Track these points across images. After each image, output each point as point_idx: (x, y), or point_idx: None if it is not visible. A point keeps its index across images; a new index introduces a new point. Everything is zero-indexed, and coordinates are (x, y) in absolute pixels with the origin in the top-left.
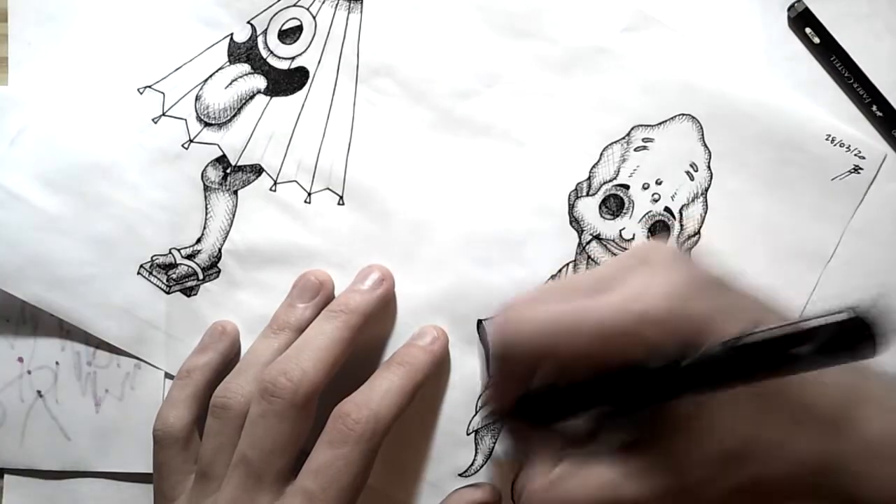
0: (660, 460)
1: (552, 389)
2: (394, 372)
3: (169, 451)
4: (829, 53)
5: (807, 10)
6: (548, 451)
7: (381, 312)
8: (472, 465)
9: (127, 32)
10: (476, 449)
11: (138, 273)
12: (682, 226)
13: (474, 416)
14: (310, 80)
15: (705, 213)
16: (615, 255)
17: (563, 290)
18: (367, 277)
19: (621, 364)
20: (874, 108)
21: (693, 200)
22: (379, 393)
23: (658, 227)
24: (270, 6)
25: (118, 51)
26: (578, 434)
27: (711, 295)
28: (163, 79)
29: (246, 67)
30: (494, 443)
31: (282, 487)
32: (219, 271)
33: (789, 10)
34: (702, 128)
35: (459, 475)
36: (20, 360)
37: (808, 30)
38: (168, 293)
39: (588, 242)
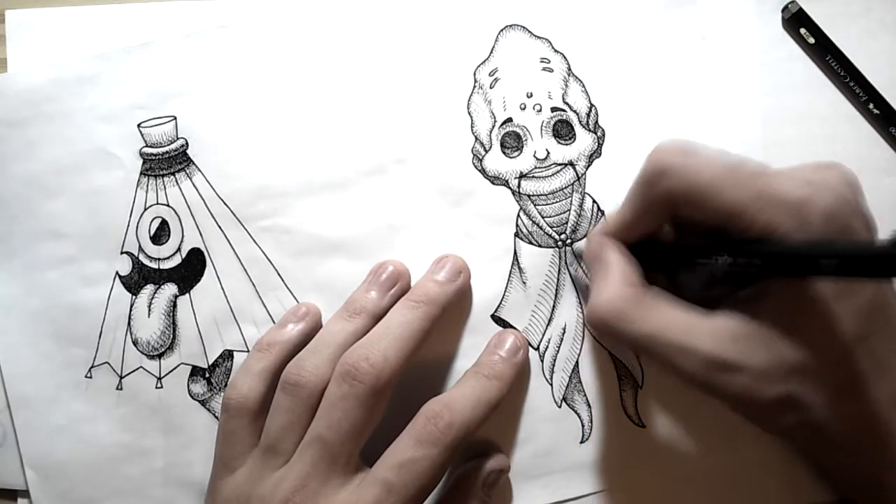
0: (774, 333)
1: (682, 244)
2: (483, 384)
3: (239, 420)
4: (825, 53)
5: (801, 10)
6: (634, 271)
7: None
8: (582, 428)
9: (44, 334)
10: (576, 413)
11: None
12: (576, 112)
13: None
14: (207, 254)
15: (584, 86)
16: (546, 178)
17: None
18: (443, 268)
19: (758, 233)
20: (871, 106)
21: (566, 85)
22: (472, 402)
23: (559, 127)
24: (128, 226)
25: (48, 357)
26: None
27: (866, 222)
28: (96, 352)
29: (150, 287)
30: (586, 398)
31: (352, 471)
32: None
33: (783, 11)
34: (525, 27)
35: (581, 443)
36: None
37: (802, 30)
38: None
39: (518, 185)
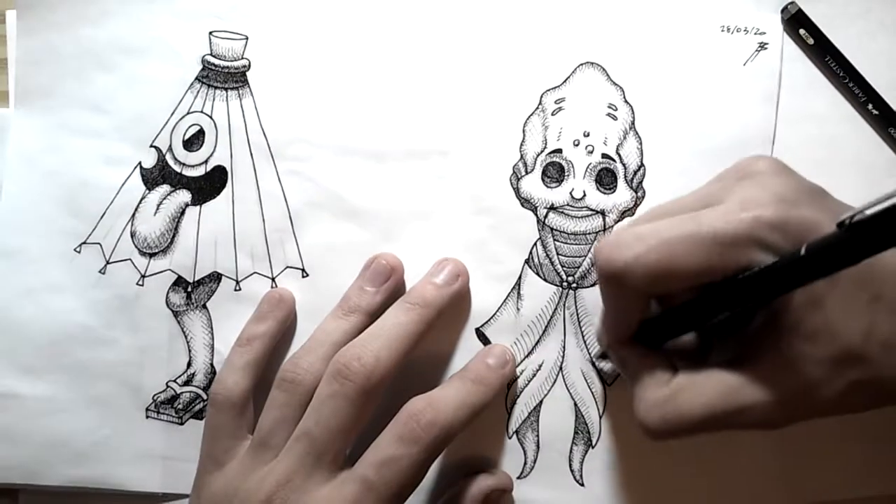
0: (777, 364)
1: (669, 311)
2: (469, 388)
3: (225, 415)
4: (824, 54)
5: (800, 11)
6: (661, 371)
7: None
8: (524, 465)
9: (49, 195)
10: (523, 450)
11: (147, 417)
12: (624, 165)
13: (509, 418)
14: (230, 175)
15: (641, 144)
16: (574, 217)
17: (668, 210)
18: (442, 271)
19: (735, 271)
20: (870, 106)
21: (625, 137)
22: (455, 402)
23: (603, 175)
24: (166, 123)
25: (45, 218)
26: (691, 351)
27: (817, 200)
28: (93, 231)
29: (165, 188)
30: (537, 439)
31: (337, 469)
32: None
33: (783, 11)
34: (604, 69)
35: (518, 478)
36: None
37: (801, 31)
38: (182, 424)
39: (546, 216)
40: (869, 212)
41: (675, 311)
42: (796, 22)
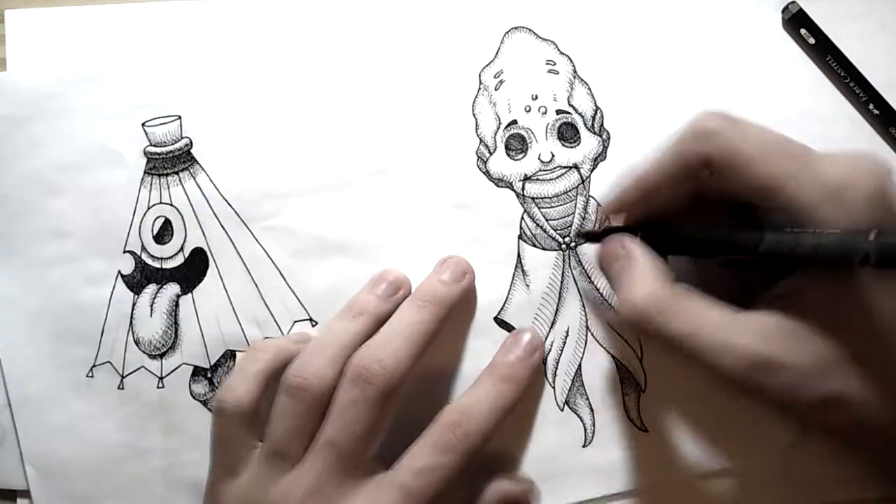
0: (816, 329)
1: (707, 225)
2: (499, 389)
3: (236, 425)
4: (825, 54)
5: (801, 10)
6: (663, 267)
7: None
8: (585, 431)
9: (43, 333)
10: (578, 416)
11: None
12: (581, 114)
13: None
14: (210, 254)
15: (589, 89)
16: (550, 181)
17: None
18: (448, 268)
19: (800, 214)
20: (871, 106)
21: (572, 88)
22: (488, 409)
23: (564, 130)
24: (130, 225)
25: (48, 356)
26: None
27: None
28: (97, 352)
29: (152, 287)
30: (589, 402)
31: (365, 474)
32: None
33: (783, 11)
34: (530, 29)
35: (583, 447)
36: None
37: (802, 31)
38: None
39: (523, 188)
40: None
41: (713, 231)
42: (797, 21)
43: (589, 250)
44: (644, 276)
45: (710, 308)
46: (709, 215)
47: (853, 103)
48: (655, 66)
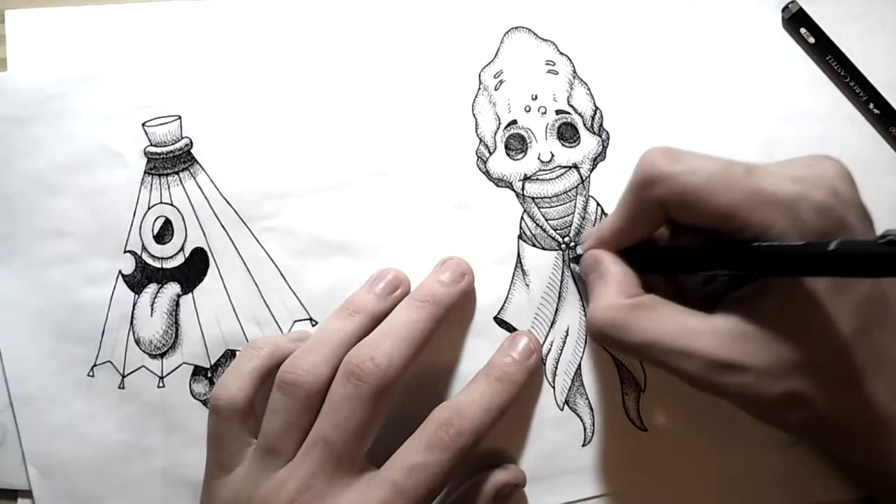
0: (773, 332)
1: (678, 248)
2: (494, 389)
3: (230, 422)
4: (825, 53)
5: (801, 10)
6: (631, 283)
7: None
8: (584, 431)
9: (44, 332)
10: (578, 416)
11: None
12: (580, 114)
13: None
14: (210, 254)
15: (588, 89)
16: (550, 181)
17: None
18: (448, 269)
19: (754, 230)
20: (871, 105)
21: (571, 88)
22: (482, 408)
23: (564, 130)
24: (131, 225)
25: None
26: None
27: (865, 218)
28: (98, 351)
29: (153, 287)
30: (588, 401)
31: (357, 472)
32: None
33: (783, 11)
34: (530, 29)
35: (583, 446)
36: None
37: (802, 30)
38: None
39: (523, 188)
40: None
41: (683, 250)
42: (797, 21)
43: None
44: (607, 292)
45: (670, 315)
46: (681, 236)
47: (853, 103)
48: (655, 66)
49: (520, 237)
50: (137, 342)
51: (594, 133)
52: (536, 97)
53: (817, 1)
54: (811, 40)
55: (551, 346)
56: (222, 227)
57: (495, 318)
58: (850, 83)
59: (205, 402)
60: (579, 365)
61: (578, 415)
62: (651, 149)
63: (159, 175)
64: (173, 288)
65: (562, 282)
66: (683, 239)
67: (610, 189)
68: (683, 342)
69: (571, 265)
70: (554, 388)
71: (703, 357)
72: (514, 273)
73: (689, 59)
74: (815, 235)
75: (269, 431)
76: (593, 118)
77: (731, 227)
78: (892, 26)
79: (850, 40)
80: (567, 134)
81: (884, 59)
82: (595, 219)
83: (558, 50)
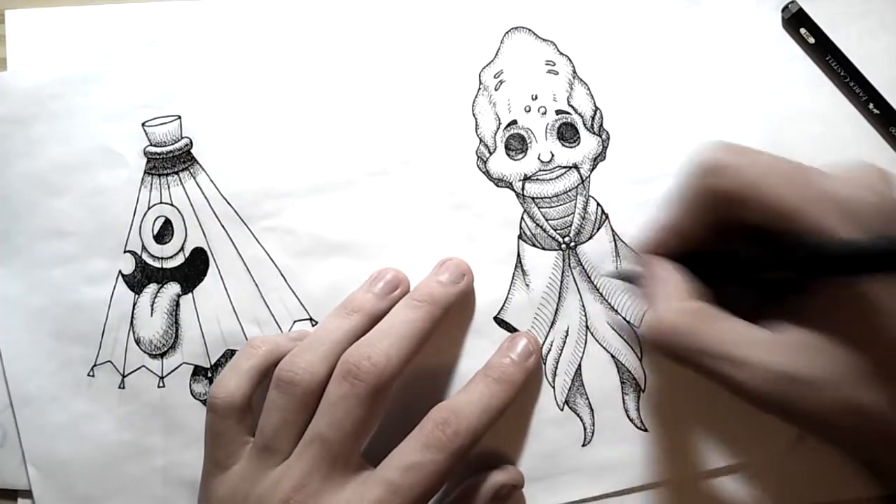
0: (838, 342)
1: (733, 253)
2: (493, 390)
3: (227, 420)
4: (825, 53)
5: (801, 10)
6: (688, 285)
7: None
8: (584, 431)
9: (44, 332)
10: (578, 416)
11: None
12: (580, 114)
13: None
14: (210, 254)
15: (589, 89)
16: (550, 181)
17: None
18: (447, 270)
19: (810, 230)
20: (871, 105)
21: (571, 88)
22: (479, 408)
23: (564, 130)
24: (131, 225)
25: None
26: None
27: None
28: (98, 351)
29: (153, 287)
30: (588, 401)
31: (353, 470)
32: None
33: (783, 11)
34: (530, 30)
35: (583, 446)
36: None
37: (802, 30)
38: None
39: (523, 188)
40: None
41: (737, 252)
42: (797, 21)
43: (589, 250)
44: (674, 294)
45: (736, 325)
46: (731, 243)
47: (853, 103)
48: (655, 66)
49: (520, 237)
50: (137, 342)
51: (594, 133)
52: (536, 97)
53: (817, 1)
54: (811, 40)
55: (551, 346)
56: (222, 226)
57: (495, 318)
58: (850, 83)
59: (205, 402)
60: (579, 365)
61: (578, 415)
62: (713, 142)
63: (159, 175)
64: (173, 288)
65: (562, 282)
66: (725, 247)
67: (610, 189)
68: (750, 353)
69: (573, 264)
70: (554, 388)
71: (770, 370)
72: (514, 273)
73: (689, 59)
74: (871, 234)
75: (265, 429)
76: (593, 118)
77: (790, 225)
78: (892, 26)
79: (849, 40)
80: (567, 134)
81: (884, 59)
82: (595, 219)
83: (558, 50)
